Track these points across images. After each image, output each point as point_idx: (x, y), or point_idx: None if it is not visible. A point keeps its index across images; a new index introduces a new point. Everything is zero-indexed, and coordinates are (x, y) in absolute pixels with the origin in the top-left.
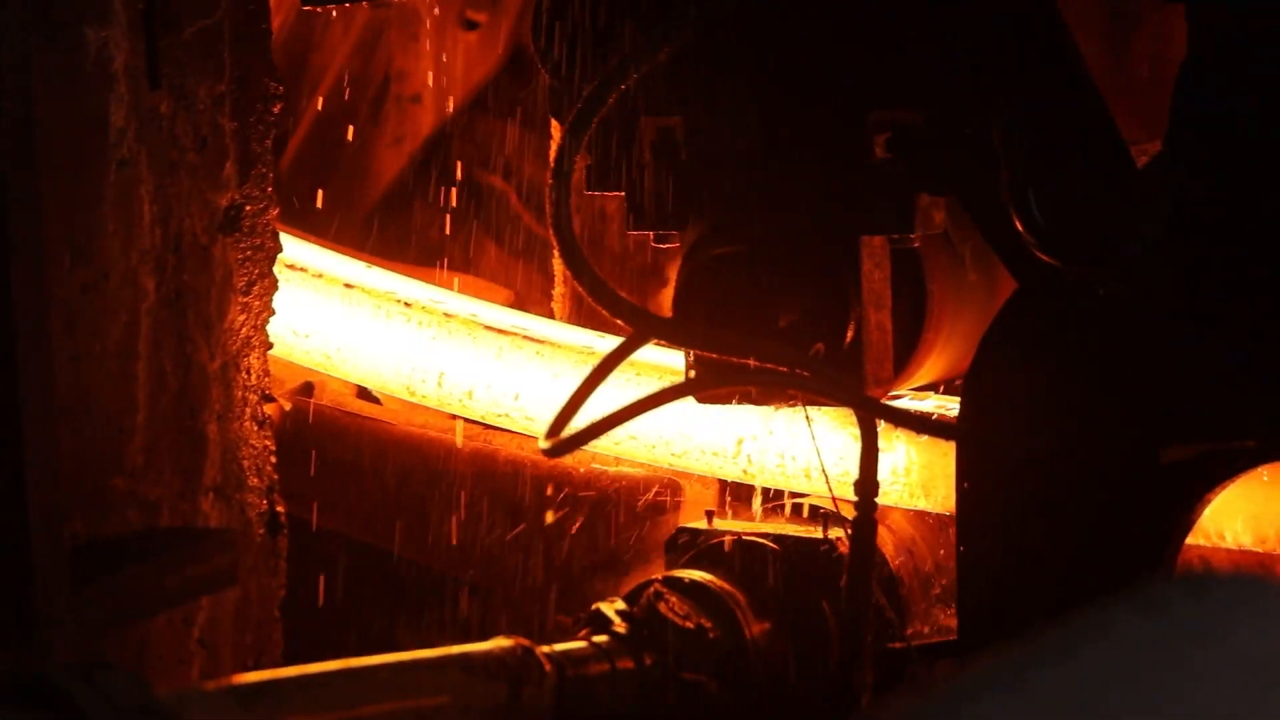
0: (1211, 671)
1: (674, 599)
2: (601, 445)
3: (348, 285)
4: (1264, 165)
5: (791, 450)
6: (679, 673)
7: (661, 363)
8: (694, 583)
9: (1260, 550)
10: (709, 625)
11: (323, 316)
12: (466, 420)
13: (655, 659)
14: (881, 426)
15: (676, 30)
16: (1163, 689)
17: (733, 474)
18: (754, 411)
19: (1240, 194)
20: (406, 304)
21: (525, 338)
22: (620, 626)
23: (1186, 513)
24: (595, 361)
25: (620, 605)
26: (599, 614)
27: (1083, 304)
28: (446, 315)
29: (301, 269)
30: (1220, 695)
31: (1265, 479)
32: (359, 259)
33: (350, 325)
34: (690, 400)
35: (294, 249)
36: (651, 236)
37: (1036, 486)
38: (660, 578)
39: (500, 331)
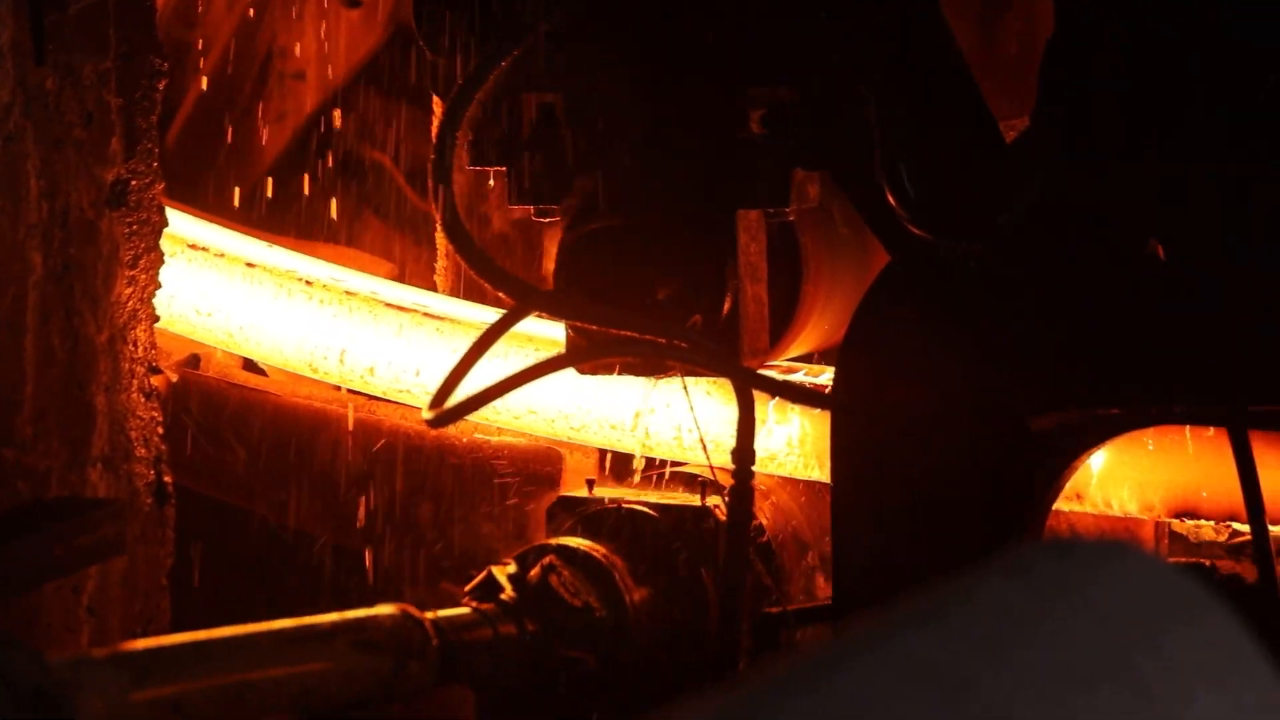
0: (1072, 629)
1: (554, 565)
2: (503, 420)
3: (249, 264)
4: (1125, 141)
5: (688, 423)
6: (559, 641)
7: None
8: (574, 549)
9: (1146, 517)
10: (588, 592)
11: (225, 295)
12: (356, 393)
13: (537, 627)
14: (777, 400)
15: (556, 7)
16: (1026, 646)
17: (630, 446)
18: (653, 386)
19: (1103, 168)
20: (308, 282)
21: (425, 314)
22: (503, 593)
23: (1054, 479)
24: (519, 345)
25: (500, 572)
26: (483, 580)
27: (954, 276)
28: (347, 293)
29: (204, 249)
30: (1080, 650)
31: (1150, 448)
32: (247, 234)
33: (252, 304)
34: (591, 376)
35: (194, 228)
36: (532, 211)
37: (909, 454)
38: (540, 545)
39: (400, 309)
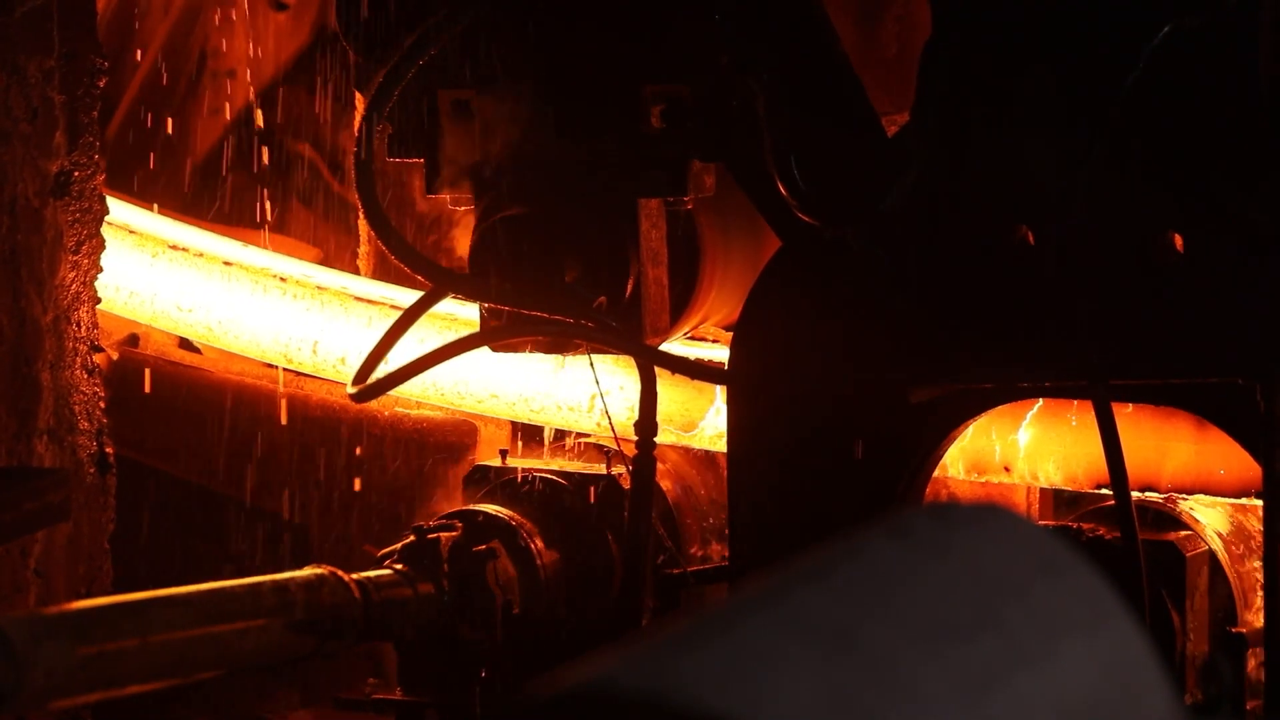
0: (949, 584)
1: (470, 529)
2: (467, 405)
3: (227, 263)
4: (995, 134)
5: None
6: (474, 600)
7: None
8: (488, 515)
9: (1070, 488)
10: (502, 555)
11: (204, 292)
12: (289, 371)
13: (454, 587)
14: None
15: (468, 9)
16: (907, 601)
17: (588, 426)
18: (608, 369)
19: (976, 158)
20: (282, 279)
21: (393, 307)
22: (422, 556)
23: (933, 447)
24: (457, 329)
25: (419, 536)
26: (404, 543)
27: (840, 259)
28: (319, 288)
29: (184, 249)
30: (956, 605)
31: (1074, 423)
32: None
33: (230, 300)
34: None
35: (174, 230)
36: (448, 199)
37: (799, 425)
38: (457, 511)
39: (370, 302)
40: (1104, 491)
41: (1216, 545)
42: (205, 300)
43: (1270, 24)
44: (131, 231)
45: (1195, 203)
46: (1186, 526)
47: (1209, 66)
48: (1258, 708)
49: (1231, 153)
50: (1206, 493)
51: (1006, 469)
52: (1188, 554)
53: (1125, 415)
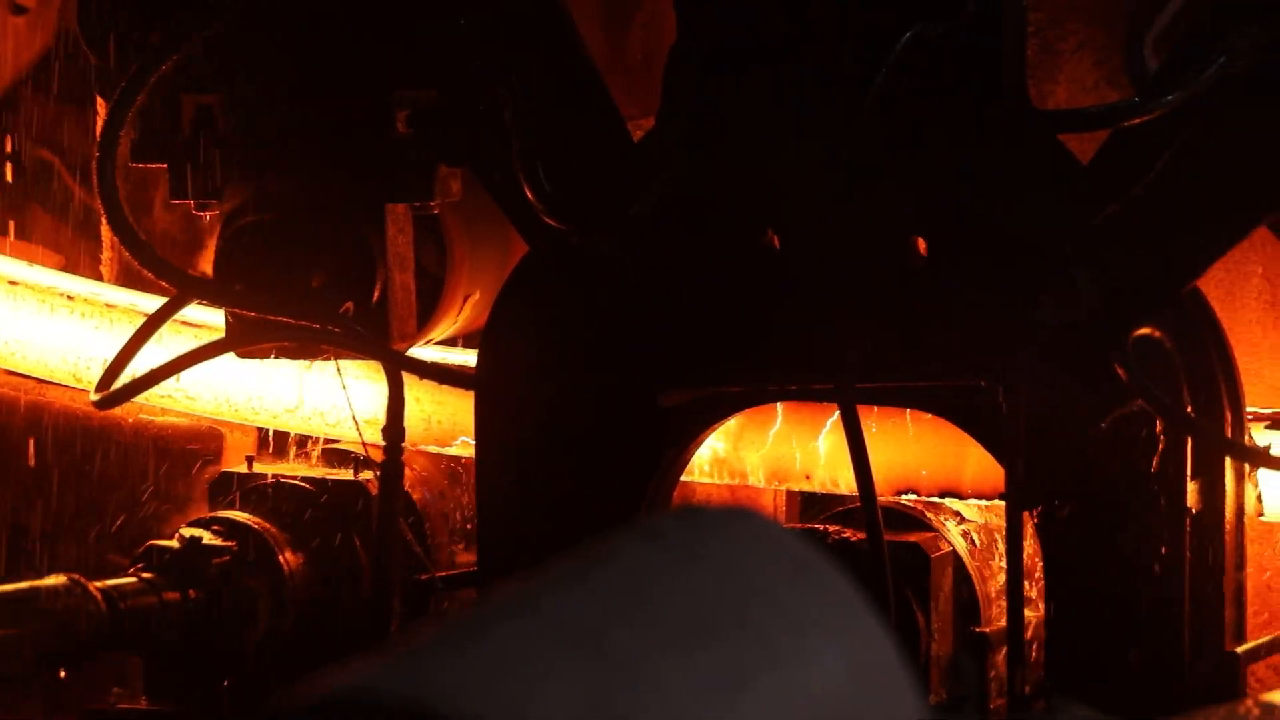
0: (698, 587)
1: (216, 535)
2: (213, 410)
3: (12, 283)
4: (741, 139)
5: (436, 416)
6: (221, 607)
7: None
8: (234, 521)
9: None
10: (248, 561)
11: None
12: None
13: (199, 594)
14: None
15: (213, 14)
16: (657, 604)
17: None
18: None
19: (723, 165)
20: (69, 297)
21: (184, 324)
22: (167, 563)
23: (681, 451)
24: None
25: (164, 543)
26: (148, 550)
27: (588, 265)
28: (108, 306)
29: None
30: (706, 607)
31: (874, 430)
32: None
33: (18, 320)
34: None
35: None
36: (192, 205)
37: (548, 430)
38: (202, 518)
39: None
40: (906, 499)
41: (961, 546)
42: None
43: (1011, 33)
44: None
45: (939, 207)
46: (933, 528)
47: (953, 72)
48: (1002, 706)
49: (974, 158)
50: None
51: (808, 477)
52: (932, 555)
53: (927, 420)
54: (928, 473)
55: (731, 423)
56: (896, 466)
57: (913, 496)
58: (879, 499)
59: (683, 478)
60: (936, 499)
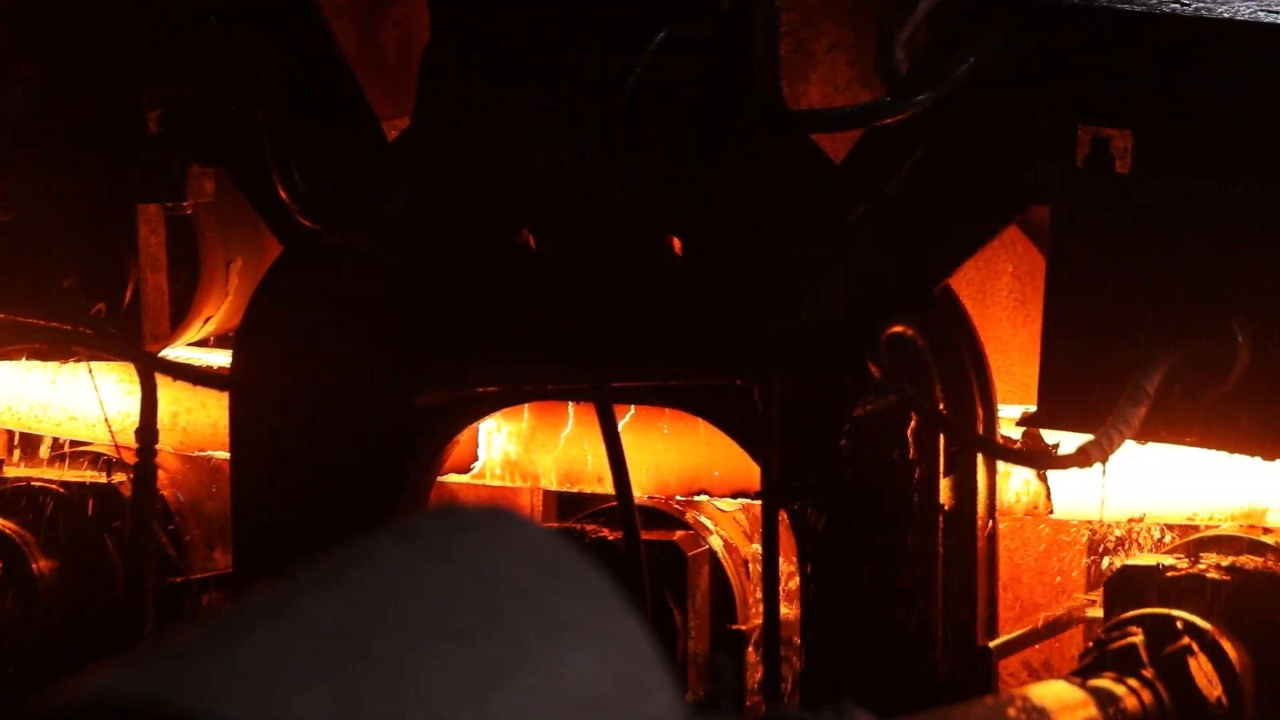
0: (456, 587)
1: None
2: (45, 427)
3: None
4: (495, 138)
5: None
6: None
7: None
8: None
9: (663, 495)
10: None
11: None
12: None
13: None
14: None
15: None
16: (416, 605)
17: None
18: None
19: (480, 163)
20: None
21: None
22: None
23: (437, 450)
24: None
25: None
26: None
27: (343, 263)
28: None
29: None
30: (462, 607)
31: (666, 432)
32: None
33: None
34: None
35: None
36: None
37: (303, 430)
38: None
39: None
40: (703, 498)
41: (718, 545)
42: None
43: (762, 34)
44: None
45: (696, 206)
46: (689, 526)
47: (708, 72)
48: (759, 703)
49: (728, 158)
50: None
51: (600, 479)
52: (689, 553)
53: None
54: (720, 474)
55: (523, 425)
56: (689, 468)
57: (705, 497)
58: (658, 499)
59: (466, 479)
60: (725, 499)
